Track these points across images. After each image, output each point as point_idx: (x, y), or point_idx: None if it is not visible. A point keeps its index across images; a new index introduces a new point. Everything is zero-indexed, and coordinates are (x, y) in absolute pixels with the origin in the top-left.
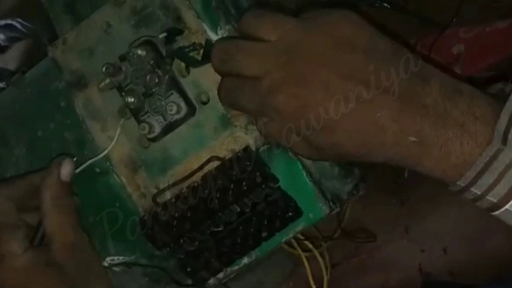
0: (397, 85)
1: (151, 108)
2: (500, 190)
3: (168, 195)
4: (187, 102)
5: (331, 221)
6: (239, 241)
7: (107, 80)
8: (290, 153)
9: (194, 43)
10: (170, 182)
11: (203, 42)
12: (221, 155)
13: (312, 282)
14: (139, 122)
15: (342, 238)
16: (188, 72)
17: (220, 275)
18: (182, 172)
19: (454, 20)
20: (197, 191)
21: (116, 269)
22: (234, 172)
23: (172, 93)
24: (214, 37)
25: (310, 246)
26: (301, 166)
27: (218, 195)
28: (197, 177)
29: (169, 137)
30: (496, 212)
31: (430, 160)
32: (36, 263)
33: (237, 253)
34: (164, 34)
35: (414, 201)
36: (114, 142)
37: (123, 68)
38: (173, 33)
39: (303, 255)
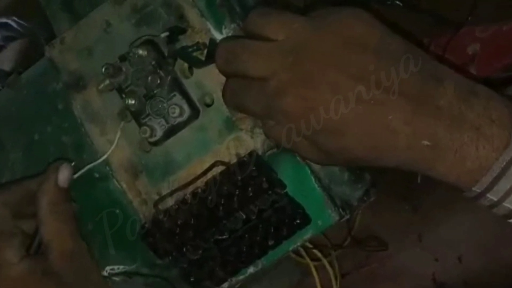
0: (410, 87)
1: (153, 110)
2: None
3: (170, 201)
4: (190, 104)
5: (340, 229)
6: (244, 249)
7: (107, 81)
8: (298, 158)
9: (198, 42)
10: (173, 188)
11: (207, 42)
12: (226, 160)
13: None
14: (140, 125)
15: (352, 246)
16: (191, 73)
17: (225, 285)
18: (185, 177)
19: (469, 18)
20: (200, 197)
21: (116, 278)
22: (239, 178)
23: (174, 95)
24: (218, 36)
25: (319, 254)
26: (309, 171)
27: (222, 202)
28: (201, 182)
29: (171, 141)
30: None
31: (444, 165)
32: (32, 272)
33: (242, 262)
34: (166, 33)
35: (427, 208)
36: (114, 146)
37: (124, 69)
38: (176, 32)
39: (311, 264)
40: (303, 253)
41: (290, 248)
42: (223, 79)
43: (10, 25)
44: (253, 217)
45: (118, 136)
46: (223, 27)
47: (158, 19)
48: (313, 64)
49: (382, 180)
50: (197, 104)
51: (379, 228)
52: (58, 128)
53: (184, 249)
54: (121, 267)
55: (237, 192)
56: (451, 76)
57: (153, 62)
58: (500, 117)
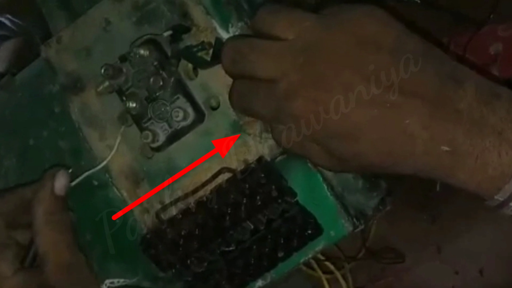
0: (427, 89)
1: (155, 114)
2: None
3: (173, 210)
4: (195, 107)
5: (354, 240)
6: (252, 261)
7: (106, 83)
8: (309, 164)
9: (203, 42)
10: (176, 197)
11: (213, 41)
12: (233, 166)
13: None
14: (141, 129)
15: (366, 258)
16: (196, 74)
17: None
18: (189, 185)
19: (491, 16)
20: (206, 206)
21: None
22: (247, 185)
23: (178, 98)
24: (224, 35)
25: (332, 267)
26: (321, 179)
27: (229, 211)
28: (206, 190)
29: (174, 146)
30: None
31: (464, 171)
32: (27, 286)
33: (250, 275)
34: (169, 32)
35: (446, 218)
36: (113, 151)
37: (124, 70)
38: (179, 31)
39: (323, 277)
40: (315, 265)
41: (301, 260)
42: (229, 80)
43: (4, 24)
44: (262, 227)
45: (118, 141)
46: (230, 25)
47: (161, 17)
48: (325, 65)
49: (398, 188)
50: (202, 107)
51: (396, 239)
52: (55, 132)
53: (188, 261)
54: (122, 280)
55: (244, 201)
56: (471, 77)
57: (155, 63)
58: None
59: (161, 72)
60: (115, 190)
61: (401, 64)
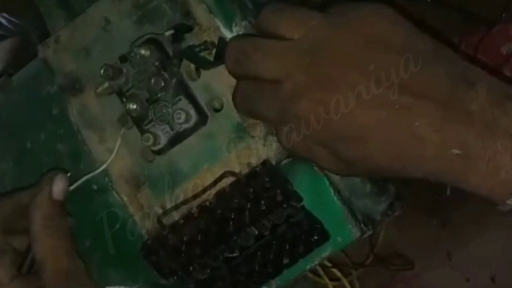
0: (438, 90)
1: (156, 116)
2: None
3: (175, 215)
4: (198, 109)
5: (362, 246)
6: (257, 268)
7: (106, 84)
8: (315, 168)
9: (206, 41)
10: (178, 201)
11: (216, 41)
12: (237, 170)
13: None
14: (142, 132)
15: (375, 265)
16: (199, 75)
17: None
18: (192, 189)
19: (504, 15)
20: (208, 211)
21: None
22: (251, 190)
23: (180, 99)
24: (228, 34)
25: (339, 274)
26: (328, 183)
27: (232, 216)
28: (209, 195)
29: (176, 149)
30: None
31: (476, 175)
32: None
33: (254, 282)
34: (171, 32)
35: (457, 223)
36: (113, 155)
37: (124, 70)
38: (182, 30)
39: (330, 284)
40: (321, 272)
41: (307, 267)
42: (233, 81)
43: (1, 23)
44: (266, 233)
45: (118, 144)
46: (234, 24)
47: (162, 16)
48: (332, 65)
49: (407, 193)
50: (205, 109)
51: (405, 245)
52: (53, 135)
53: (191, 268)
54: (122, 287)
55: (248, 206)
56: (483, 78)
57: (157, 63)
58: None
59: (162, 72)
60: (115, 194)
61: (410, 64)
